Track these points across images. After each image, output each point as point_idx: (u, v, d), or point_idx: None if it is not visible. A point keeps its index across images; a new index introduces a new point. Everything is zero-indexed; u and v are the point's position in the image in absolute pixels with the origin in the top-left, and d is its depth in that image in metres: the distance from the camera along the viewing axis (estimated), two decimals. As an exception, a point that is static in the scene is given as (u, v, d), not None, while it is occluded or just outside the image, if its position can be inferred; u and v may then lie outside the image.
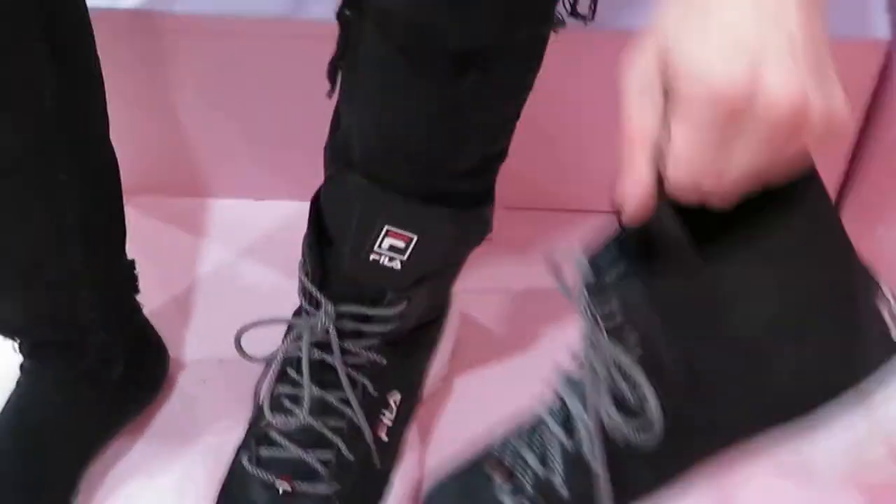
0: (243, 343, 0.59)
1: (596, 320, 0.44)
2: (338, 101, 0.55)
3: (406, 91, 0.50)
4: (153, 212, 0.79)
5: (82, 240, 0.56)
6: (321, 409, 0.56)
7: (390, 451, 0.60)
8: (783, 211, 0.41)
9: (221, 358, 0.68)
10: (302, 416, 0.55)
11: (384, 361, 0.58)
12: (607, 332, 0.44)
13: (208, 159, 0.79)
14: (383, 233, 0.52)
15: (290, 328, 0.59)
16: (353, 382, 0.56)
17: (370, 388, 0.58)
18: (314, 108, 0.55)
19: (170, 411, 0.68)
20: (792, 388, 0.44)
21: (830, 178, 0.78)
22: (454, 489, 0.55)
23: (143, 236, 0.65)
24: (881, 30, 0.71)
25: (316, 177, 0.58)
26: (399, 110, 0.51)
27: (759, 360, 0.43)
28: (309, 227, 0.57)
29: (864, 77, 0.72)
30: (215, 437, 0.65)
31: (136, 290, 0.64)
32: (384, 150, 0.52)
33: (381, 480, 0.60)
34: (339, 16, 0.50)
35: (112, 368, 0.63)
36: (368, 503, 0.59)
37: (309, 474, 0.56)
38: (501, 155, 0.55)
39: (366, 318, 0.56)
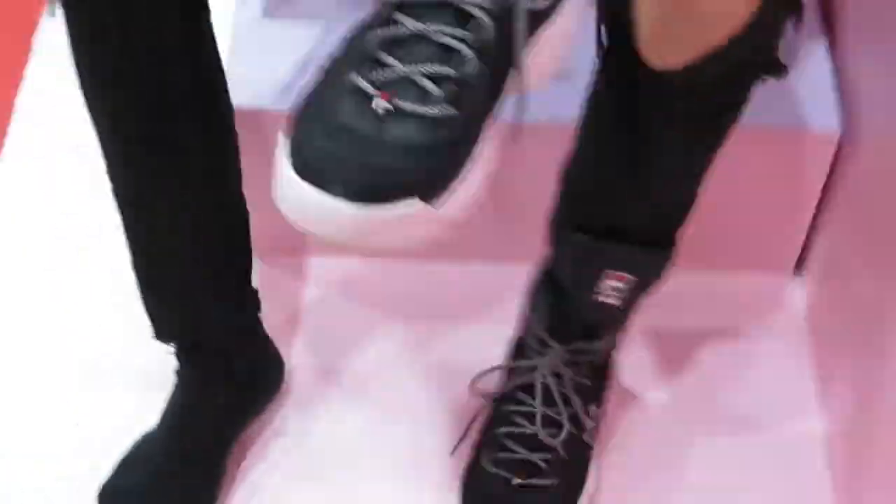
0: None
1: None
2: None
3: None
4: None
5: (228, 265, 0.74)
6: (545, 422, 0.75)
7: (589, 452, 0.79)
8: None
9: (327, 369, 0.87)
10: (532, 429, 0.75)
11: (589, 383, 0.76)
12: None
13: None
14: (605, 275, 0.67)
15: (511, 370, 0.78)
16: (566, 401, 0.75)
17: (580, 404, 0.76)
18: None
19: (285, 410, 0.84)
20: None
21: (788, 259, 0.91)
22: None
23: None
24: (832, 123, 0.80)
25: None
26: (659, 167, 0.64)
27: None
28: (540, 284, 0.75)
29: (816, 168, 0.82)
30: (317, 426, 0.84)
31: (260, 310, 0.78)
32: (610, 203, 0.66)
33: (584, 475, 0.78)
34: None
35: (242, 371, 0.79)
36: (574, 491, 0.77)
37: (535, 471, 0.74)
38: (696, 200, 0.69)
39: (583, 352, 0.74)
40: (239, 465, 0.79)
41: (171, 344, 0.75)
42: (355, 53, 0.51)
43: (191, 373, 0.77)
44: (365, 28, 0.51)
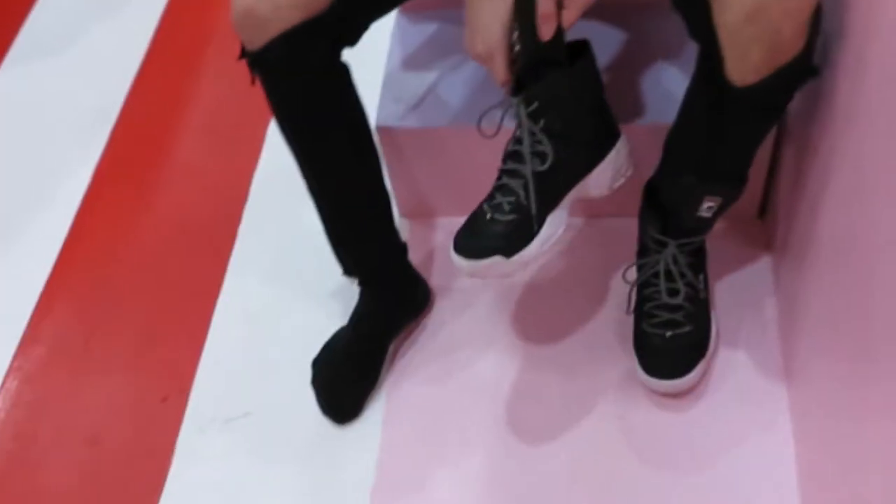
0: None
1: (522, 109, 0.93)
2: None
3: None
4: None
5: (382, 226, 1.15)
6: (672, 292, 1.10)
7: (707, 304, 1.13)
8: None
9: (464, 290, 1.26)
10: (666, 298, 1.10)
11: (694, 260, 1.11)
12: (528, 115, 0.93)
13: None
14: (705, 200, 1.01)
15: (642, 265, 1.12)
16: (682, 275, 1.09)
17: (691, 275, 1.10)
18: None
19: (430, 321, 1.24)
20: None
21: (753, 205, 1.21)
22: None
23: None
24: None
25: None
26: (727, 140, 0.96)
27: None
28: (647, 205, 1.09)
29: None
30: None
31: (407, 252, 1.20)
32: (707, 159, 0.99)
33: (708, 318, 1.13)
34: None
35: (400, 288, 1.20)
36: (706, 330, 1.12)
37: (677, 324, 1.10)
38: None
39: (687, 244, 1.08)
40: (397, 352, 1.21)
41: (353, 277, 1.19)
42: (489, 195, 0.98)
43: (368, 293, 1.18)
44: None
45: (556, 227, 0.98)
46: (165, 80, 1.69)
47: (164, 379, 1.25)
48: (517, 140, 0.96)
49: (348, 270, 1.17)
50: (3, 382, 1.28)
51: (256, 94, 1.01)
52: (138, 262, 1.40)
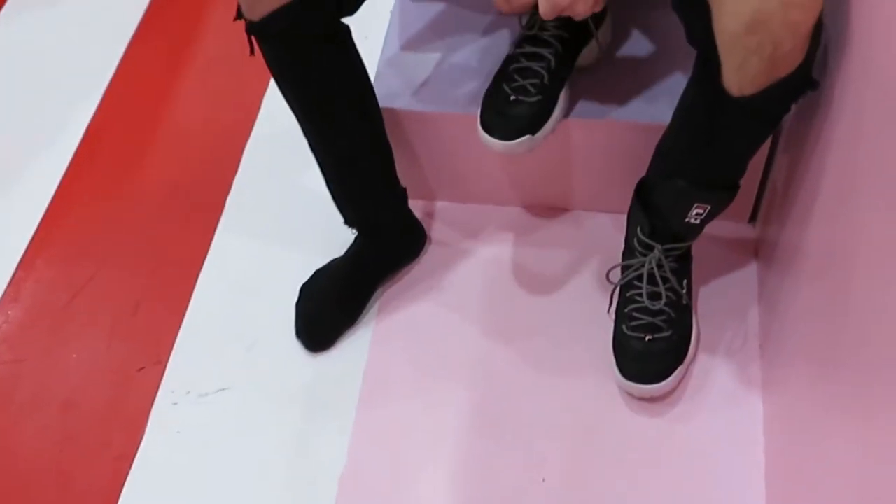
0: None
1: None
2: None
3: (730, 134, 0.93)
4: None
5: (384, 179, 1.17)
6: (655, 296, 1.09)
7: (689, 310, 1.13)
8: None
9: (458, 247, 1.29)
10: (647, 302, 1.09)
11: (678, 266, 1.10)
12: None
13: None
14: (695, 206, 1.01)
15: (626, 266, 1.11)
16: (665, 280, 1.09)
17: (675, 280, 1.10)
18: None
19: (422, 265, 1.28)
20: None
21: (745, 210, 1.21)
22: None
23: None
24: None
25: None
26: (718, 148, 0.95)
27: None
28: (637, 204, 1.07)
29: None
30: (452, 277, 1.26)
31: (407, 201, 1.22)
32: (700, 165, 0.98)
33: (690, 324, 1.12)
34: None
35: (396, 238, 1.23)
36: (686, 336, 1.11)
37: (657, 329, 1.09)
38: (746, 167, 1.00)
39: (674, 249, 1.08)
40: (384, 291, 1.24)
41: (353, 228, 1.20)
42: (502, 75, 1.08)
43: (367, 236, 1.21)
44: (507, 60, 1.09)
45: (563, 101, 1.12)
46: (164, 38, 1.67)
47: (143, 348, 1.24)
48: (533, 26, 1.08)
49: (349, 222, 1.20)
50: (-18, 340, 1.29)
51: (256, 57, 0.99)
52: (125, 226, 1.39)
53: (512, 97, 1.07)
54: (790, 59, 0.80)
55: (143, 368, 1.23)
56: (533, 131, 1.08)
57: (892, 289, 0.66)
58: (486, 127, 1.07)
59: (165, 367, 1.22)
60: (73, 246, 1.38)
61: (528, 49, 1.08)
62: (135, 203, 1.42)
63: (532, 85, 1.07)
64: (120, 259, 1.35)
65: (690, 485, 1.05)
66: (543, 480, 1.07)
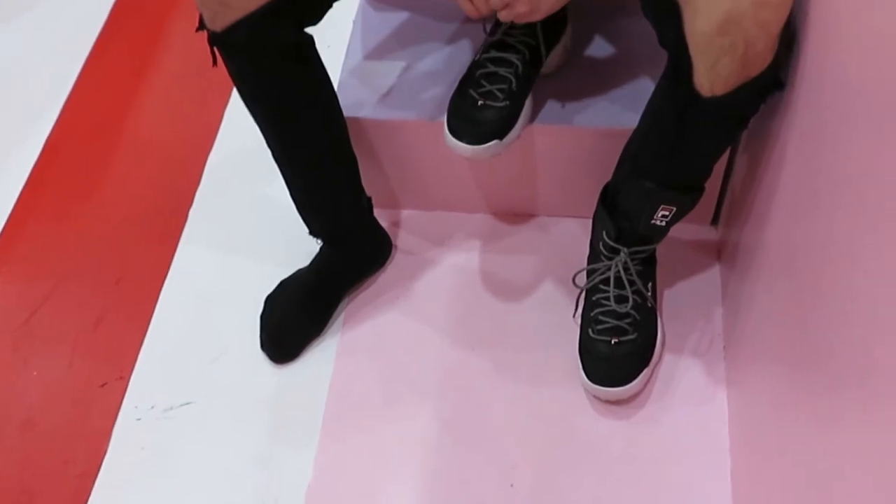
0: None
1: None
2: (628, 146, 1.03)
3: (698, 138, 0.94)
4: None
5: (348, 190, 1.16)
6: (621, 299, 1.10)
7: (654, 313, 1.13)
8: None
9: (424, 256, 1.28)
10: (614, 306, 1.10)
11: (644, 269, 1.11)
12: None
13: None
14: (661, 208, 1.01)
15: (592, 270, 1.12)
16: (632, 283, 1.09)
17: (641, 283, 1.10)
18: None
19: (388, 274, 1.27)
20: None
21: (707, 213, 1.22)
22: None
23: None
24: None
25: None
26: (687, 150, 0.95)
27: None
28: (602, 208, 1.08)
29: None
30: (418, 286, 1.25)
31: (372, 211, 1.22)
32: (667, 167, 0.98)
33: (655, 327, 1.13)
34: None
35: (361, 248, 1.23)
36: (651, 339, 1.12)
37: (623, 332, 1.09)
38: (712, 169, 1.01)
39: (640, 252, 1.08)
40: (350, 301, 1.23)
41: (320, 238, 1.19)
42: (469, 81, 1.08)
43: (332, 246, 1.20)
44: (474, 66, 1.08)
45: (528, 106, 1.13)
46: (124, 51, 1.65)
47: (105, 364, 1.23)
48: (503, 32, 1.08)
49: (315, 232, 1.19)
50: (-61, 360, 1.26)
51: (218, 69, 0.98)
52: (85, 241, 1.37)
53: (480, 102, 1.07)
54: (761, 58, 0.81)
55: (105, 384, 1.21)
56: (501, 136, 1.08)
57: (850, 288, 0.67)
58: (455, 132, 1.08)
59: (128, 382, 1.20)
60: (31, 262, 1.36)
61: (495, 54, 1.08)
62: (95, 218, 1.40)
63: (500, 90, 1.07)
64: (80, 274, 1.33)
65: (658, 485, 1.05)
66: (512, 486, 1.07)
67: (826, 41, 0.78)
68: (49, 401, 1.20)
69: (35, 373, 1.24)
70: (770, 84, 0.86)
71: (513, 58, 1.08)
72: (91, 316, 1.28)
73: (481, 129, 1.06)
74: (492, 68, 1.08)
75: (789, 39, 0.84)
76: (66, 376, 1.23)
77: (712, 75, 0.82)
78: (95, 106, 1.56)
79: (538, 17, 0.92)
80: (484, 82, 1.08)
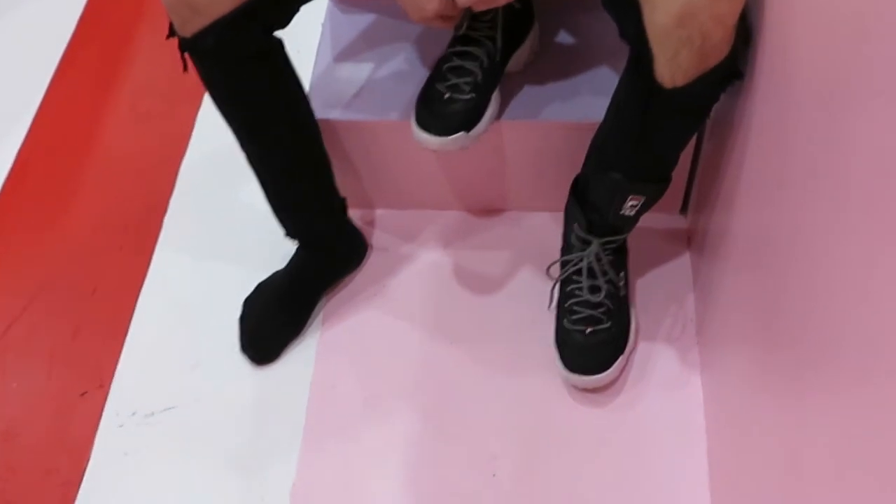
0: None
1: None
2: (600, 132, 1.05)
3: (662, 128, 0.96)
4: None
5: (322, 192, 1.17)
6: (594, 289, 1.12)
7: (627, 302, 1.16)
8: None
9: (400, 254, 1.30)
10: (587, 296, 1.12)
11: (615, 258, 1.13)
12: None
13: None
14: (629, 198, 1.03)
15: (565, 262, 1.13)
16: (604, 273, 1.11)
17: (613, 273, 1.12)
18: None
19: (364, 273, 1.28)
20: None
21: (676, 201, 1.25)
22: None
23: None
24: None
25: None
26: (656, 141, 0.98)
27: None
28: (573, 201, 1.10)
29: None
30: (394, 283, 1.27)
31: (347, 212, 1.23)
32: (634, 158, 1.00)
33: (628, 316, 1.15)
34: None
35: (337, 249, 1.24)
36: (625, 327, 1.14)
37: (597, 321, 1.11)
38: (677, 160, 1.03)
39: (611, 242, 1.11)
40: (328, 301, 1.24)
41: (295, 240, 1.20)
42: (436, 75, 1.10)
43: (308, 248, 1.22)
44: (440, 62, 1.10)
45: (495, 101, 1.14)
46: (92, 62, 1.65)
47: (84, 373, 1.23)
48: (468, 27, 1.10)
49: (290, 234, 1.20)
50: (-84, 375, 1.25)
51: (189, 76, 0.99)
52: (60, 252, 1.37)
53: (446, 95, 1.09)
54: (718, 49, 0.83)
55: (85, 393, 1.21)
56: (468, 128, 1.09)
57: (815, 272, 0.69)
58: (422, 124, 1.09)
59: (109, 389, 1.20)
60: (6, 275, 1.36)
61: (460, 48, 1.10)
62: (69, 229, 1.40)
63: (465, 83, 1.09)
64: (56, 285, 1.33)
65: (636, 469, 1.08)
66: (494, 476, 1.08)
67: (783, 31, 0.80)
68: (30, 411, 1.20)
69: (14, 384, 1.23)
70: (729, 74, 0.88)
71: (478, 51, 1.09)
72: (69, 326, 1.28)
73: (448, 122, 1.08)
74: (457, 62, 1.10)
75: (746, 30, 0.86)
76: (46, 386, 1.23)
77: (673, 67, 0.85)
78: (66, 116, 1.56)
79: (501, 1, 0.92)
80: (450, 75, 1.09)
